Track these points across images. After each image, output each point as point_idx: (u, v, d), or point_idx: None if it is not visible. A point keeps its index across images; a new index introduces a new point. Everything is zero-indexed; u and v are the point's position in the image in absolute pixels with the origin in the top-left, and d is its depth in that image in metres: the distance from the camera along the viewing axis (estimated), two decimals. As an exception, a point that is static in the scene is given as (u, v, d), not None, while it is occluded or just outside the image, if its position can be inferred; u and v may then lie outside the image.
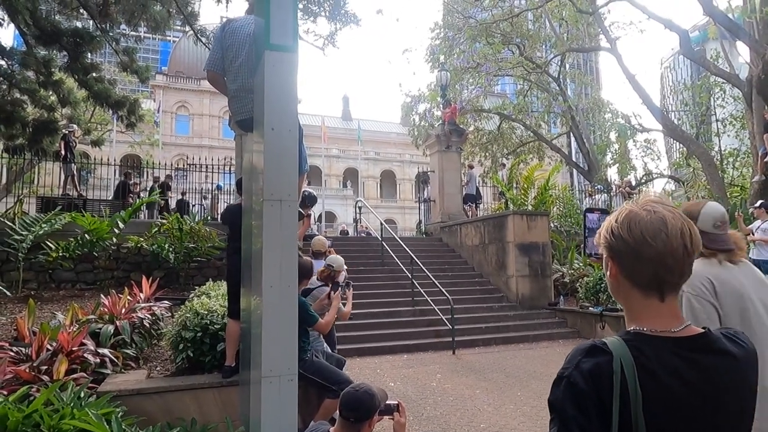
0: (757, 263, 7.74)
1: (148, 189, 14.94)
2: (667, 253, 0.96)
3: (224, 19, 4.08)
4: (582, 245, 1.19)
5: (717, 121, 21.36)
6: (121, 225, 8.66)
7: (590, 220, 1.18)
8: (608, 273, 1.05)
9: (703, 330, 0.99)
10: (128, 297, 5.28)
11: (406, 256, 9.86)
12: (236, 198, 5.31)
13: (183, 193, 17.40)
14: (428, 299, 8.94)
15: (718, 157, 19.22)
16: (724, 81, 15.37)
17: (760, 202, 8.63)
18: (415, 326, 8.79)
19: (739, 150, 20.45)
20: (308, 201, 5.11)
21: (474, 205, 14.97)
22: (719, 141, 21.09)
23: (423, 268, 9.29)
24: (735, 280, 1.74)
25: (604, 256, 1.06)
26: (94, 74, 12.35)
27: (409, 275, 9.52)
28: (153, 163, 16.06)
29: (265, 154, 2.34)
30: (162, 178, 15.72)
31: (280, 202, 2.31)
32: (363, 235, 17.19)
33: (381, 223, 11.75)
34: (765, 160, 10.86)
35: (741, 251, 1.85)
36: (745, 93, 12.90)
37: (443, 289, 8.54)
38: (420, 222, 16.53)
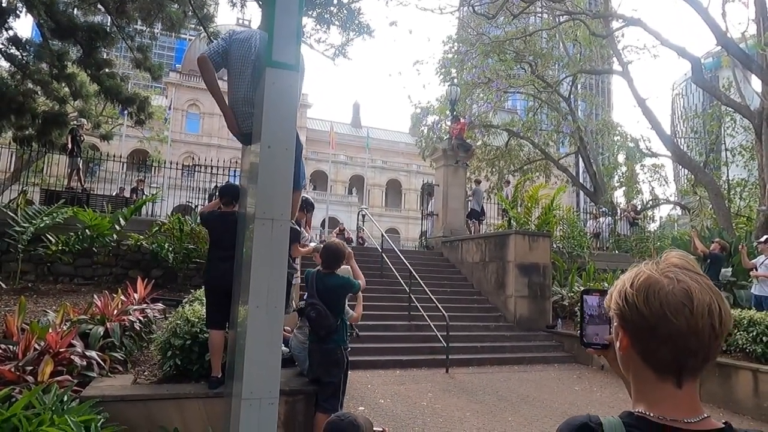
0: (759, 299, 7.69)
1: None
2: (690, 334, 0.81)
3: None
4: (579, 330, 1.02)
5: (726, 150, 21.26)
6: (122, 222, 8.67)
7: (589, 306, 1.04)
8: (618, 345, 0.90)
9: (724, 425, 0.84)
10: (122, 298, 5.26)
11: (405, 269, 9.80)
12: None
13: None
14: (424, 314, 8.87)
15: (726, 187, 19.10)
16: (735, 111, 15.30)
17: (765, 237, 8.53)
18: (410, 341, 8.72)
19: (747, 180, 20.34)
20: (305, 206, 5.09)
21: (477, 222, 14.93)
22: (727, 170, 20.98)
23: (421, 282, 9.23)
24: None
25: (615, 324, 0.91)
26: (106, 70, 12.43)
27: (407, 289, 9.46)
28: (160, 160, 16.12)
29: (260, 172, 2.32)
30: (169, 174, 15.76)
31: (272, 221, 2.29)
32: (360, 242, 17.16)
33: (382, 234, 11.71)
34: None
35: None
36: (756, 125, 12.83)
37: (440, 305, 8.48)
38: (423, 233, 16.48)
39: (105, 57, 12.85)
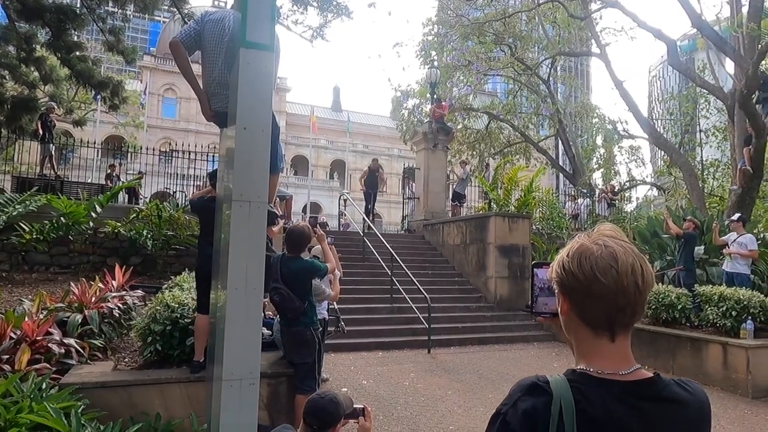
0: (730, 275, 7.93)
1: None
2: (618, 291, 0.91)
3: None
4: (531, 301, 1.09)
5: (700, 131, 21.68)
6: (98, 209, 8.51)
7: (540, 279, 1.12)
8: (560, 309, 1.00)
9: (653, 375, 0.94)
10: (99, 285, 5.19)
11: (387, 252, 9.85)
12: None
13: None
14: (406, 297, 8.96)
15: (700, 167, 19.51)
16: (709, 92, 15.57)
17: (737, 215, 8.77)
18: (392, 324, 8.81)
19: (720, 161, 20.79)
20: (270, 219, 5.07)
21: (459, 205, 15.02)
22: (701, 151, 21.41)
23: (402, 265, 9.30)
24: None
25: (556, 291, 1.01)
26: (77, 53, 12.05)
27: (389, 272, 9.52)
28: (136, 146, 15.79)
29: (236, 154, 2.30)
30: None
31: (249, 204, 2.28)
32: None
33: (363, 219, 11.72)
34: (742, 168, 11.04)
35: None
36: (728, 106, 13.09)
37: (422, 288, 8.56)
38: (404, 217, 16.52)
39: (75, 40, 12.45)
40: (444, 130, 13.97)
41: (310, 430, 2.32)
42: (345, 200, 14.67)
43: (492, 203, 14.00)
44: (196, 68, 3.20)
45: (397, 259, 9.43)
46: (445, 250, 12.23)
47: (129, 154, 23.15)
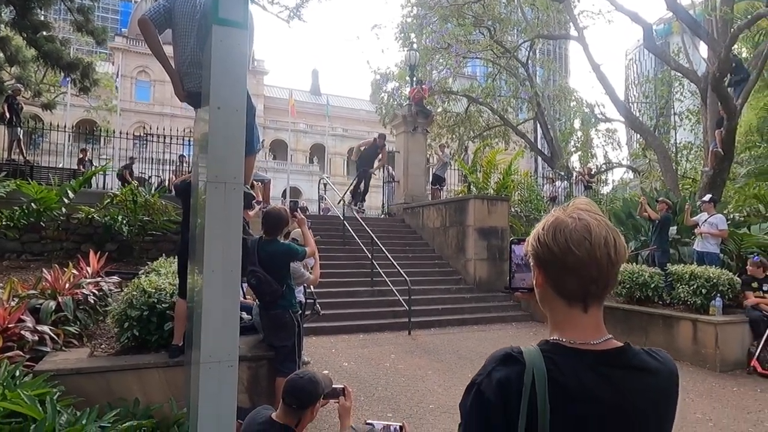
0: (700, 255, 8.16)
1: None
2: (591, 263, 0.92)
3: None
4: (509, 276, 1.11)
5: (674, 114, 22.07)
6: (71, 195, 8.30)
7: (517, 255, 1.13)
8: (535, 282, 1.02)
9: (623, 344, 0.97)
10: (73, 271, 5.08)
11: (367, 236, 9.86)
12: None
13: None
14: (387, 280, 9.01)
15: (674, 150, 19.90)
16: (683, 76, 15.82)
17: (708, 196, 9.00)
18: (373, 306, 8.86)
19: (693, 144, 21.24)
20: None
21: (439, 188, 15.06)
22: (675, 134, 21.83)
23: (383, 249, 9.33)
24: None
25: (532, 264, 1.02)
26: (44, 33, 11.63)
27: (369, 255, 9.54)
28: (109, 131, 15.38)
29: (210, 134, 2.25)
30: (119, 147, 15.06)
31: (224, 185, 2.24)
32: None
33: (343, 202, 11.67)
34: (714, 150, 11.30)
35: None
36: (701, 89, 13.33)
37: (402, 271, 8.62)
38: (384, 201, 16.51)
39: (42, 19, 11.99)
40: (423, 114, 13.93)
41: (289, 409, 2.33)
42: (325, 184, 14.57)
43: (471, 186, 14.08)
44: (169, 50, 3.11)
45: (378, 242, 9.46)
46: (425, 233, 12.30)
47: (102, 139, 22.57)
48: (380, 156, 10.71)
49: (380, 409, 4.78)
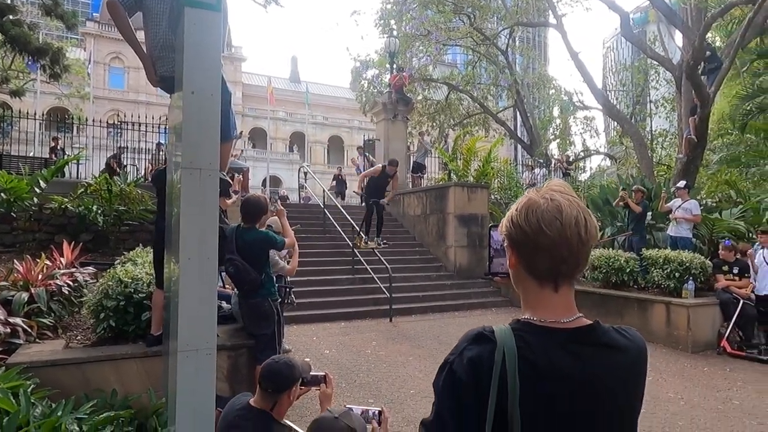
0: (674, 240, 8.35)
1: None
2: (561, 242, 0.93)
3: None
4: (488, 262, 1.12)
5: (650, 102, 22.41)
6: (42, 184, 8.09)
7: (495, 241, 1.14)
8: (508, 263, 1.02)
9: (592, 322, 0.98)
10: (46, 262, 4.97)
11: (348, 224, 9.84)
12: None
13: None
14: (368, 268, 9.03)
15: (649, 137, 20.25)
16: (659, 64, 16.05)
17: (682, 182, 9.20)
18: (355, 294, 8.88)
19: (668, 131, 21.64)
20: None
21: (419, 175, 15.08)
22: (651, 122, 22.19)
23: (364, 237, 9.32)
24: None
25: (506, 245, 1.03)
26: (10, 17, 11.22)
27: (350, 243, 9.53)
28: (82, 119, 14.97)
29: (184, 119, 2.20)
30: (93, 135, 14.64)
31: (199, 171, 2.20)
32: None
33: (324, 191, 11.63)
34: (688, 138, 11.52)
35: None
36: (677, 77, 13.55)
37: (383, 258, 8.64)
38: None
39: (8, 2, 11.57)
40: (404, 101, 13.89)
41: (265, 394, 2.32)
42: (305, 173, 14.46)
43: (451, 174, 14.13)
44: (140, 35, 3.02)
45: (359, 231, 9.44)
46: (406, 220, 12.33)
47: (74, 127, 21.96)
48: (392, 185, 9.22)
49: (362, 395, 4.81)
